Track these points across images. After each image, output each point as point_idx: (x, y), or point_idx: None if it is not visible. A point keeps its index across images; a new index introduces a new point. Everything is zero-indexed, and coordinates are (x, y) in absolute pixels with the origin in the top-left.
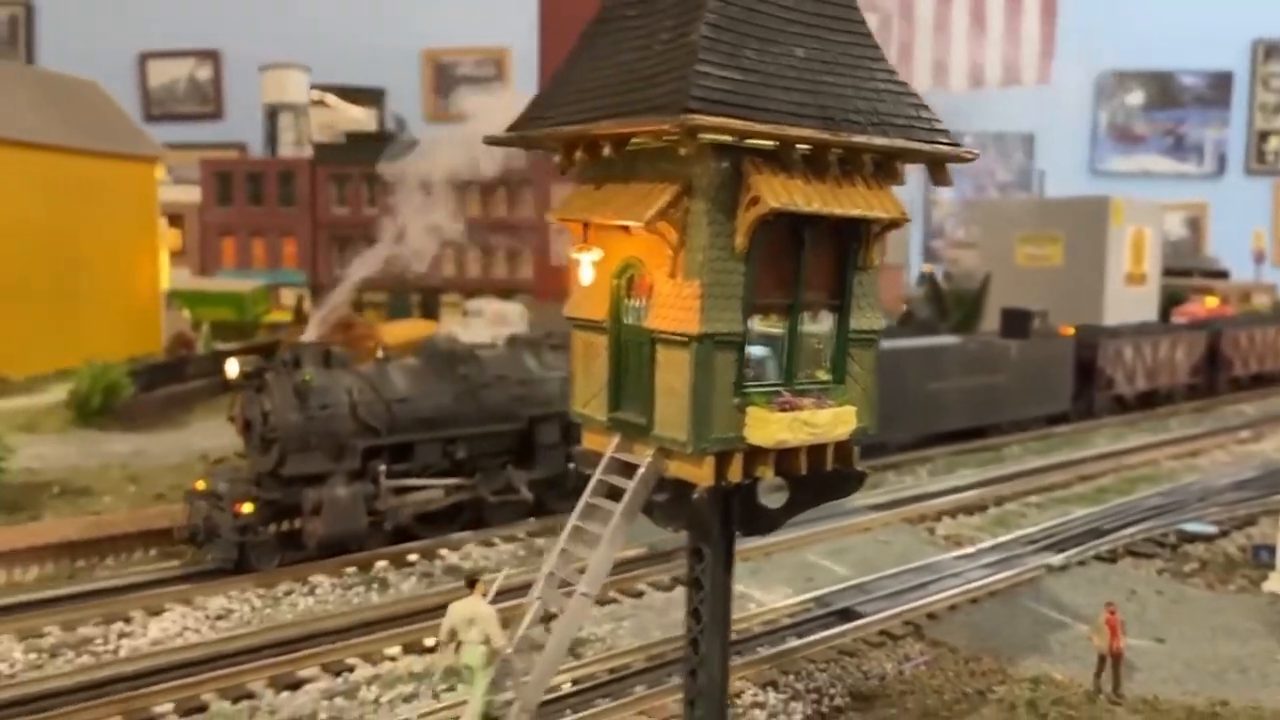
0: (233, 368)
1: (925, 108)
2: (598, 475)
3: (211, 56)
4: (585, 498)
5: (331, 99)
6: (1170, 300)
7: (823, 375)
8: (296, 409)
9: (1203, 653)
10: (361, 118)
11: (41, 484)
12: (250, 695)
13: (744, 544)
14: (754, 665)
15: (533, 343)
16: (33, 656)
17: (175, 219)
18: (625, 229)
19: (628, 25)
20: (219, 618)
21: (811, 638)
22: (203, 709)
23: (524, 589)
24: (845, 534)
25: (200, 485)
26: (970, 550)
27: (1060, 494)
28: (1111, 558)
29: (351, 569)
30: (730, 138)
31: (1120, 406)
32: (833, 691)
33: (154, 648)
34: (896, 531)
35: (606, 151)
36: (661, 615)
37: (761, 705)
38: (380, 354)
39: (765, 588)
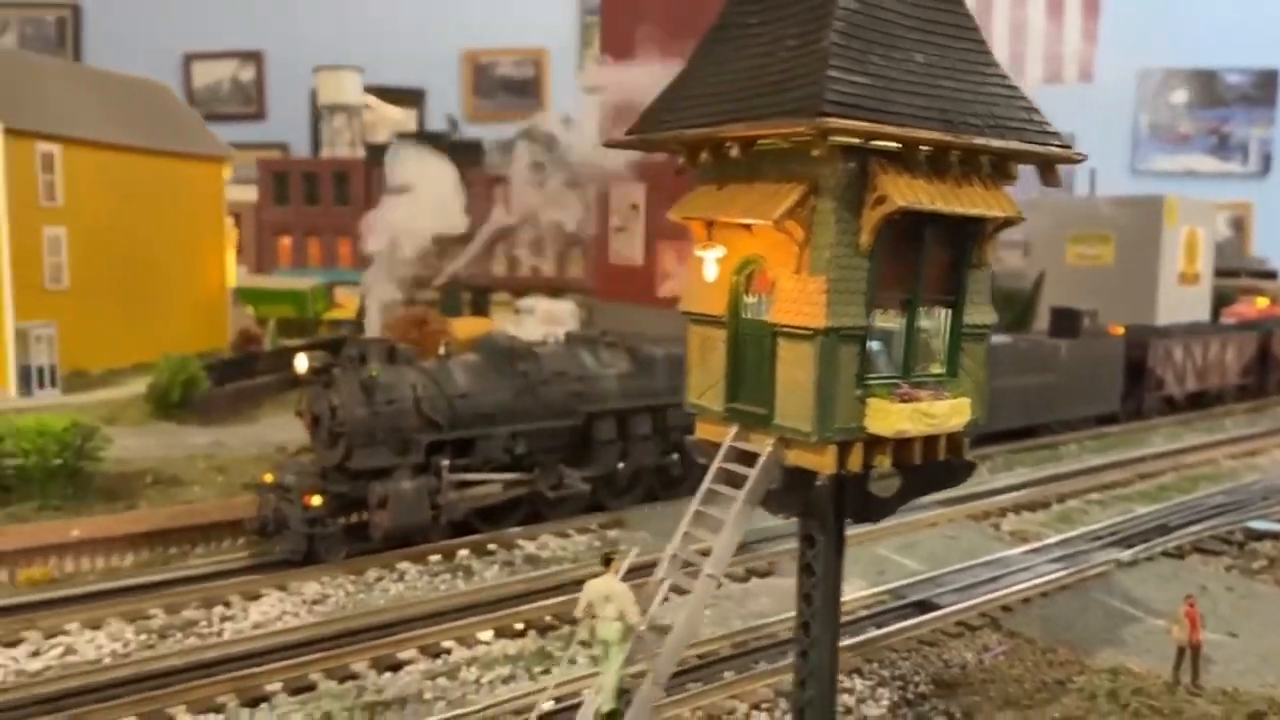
0: (301, 363)
1: (1036, 111)
2: (717, 463)
3: (254, 58)
4: (706, 484)
5: (372, 100)
6: (1219, 301)
7: (936, 368)
8: (363, 404)
9: (1276, 646)
10: (401, 118)
11: (133, 474)
12: (354, 676)
13: None
14: (839, 653)
15: (589, 340)
16: (143, 637)
17: (232, 218)
18: (747, 227)
19: (749, 34)
20: (315, 602)
21: (891, 628)
22: (311, 688)
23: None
24: (913, 529)
25: (269, 478)
26: (1037, 545)
27: (1121, 492)
28: (1179, 554)
29: (435, 557)
30: (858, 140)
31: (1170, 407)
32: (917, 679)
33: (256, 630)
34: (962, 527)
35: (734, 153)
36: (740, 605)
37: (849, 691)
38: (441, 350)
39: (843, 579)
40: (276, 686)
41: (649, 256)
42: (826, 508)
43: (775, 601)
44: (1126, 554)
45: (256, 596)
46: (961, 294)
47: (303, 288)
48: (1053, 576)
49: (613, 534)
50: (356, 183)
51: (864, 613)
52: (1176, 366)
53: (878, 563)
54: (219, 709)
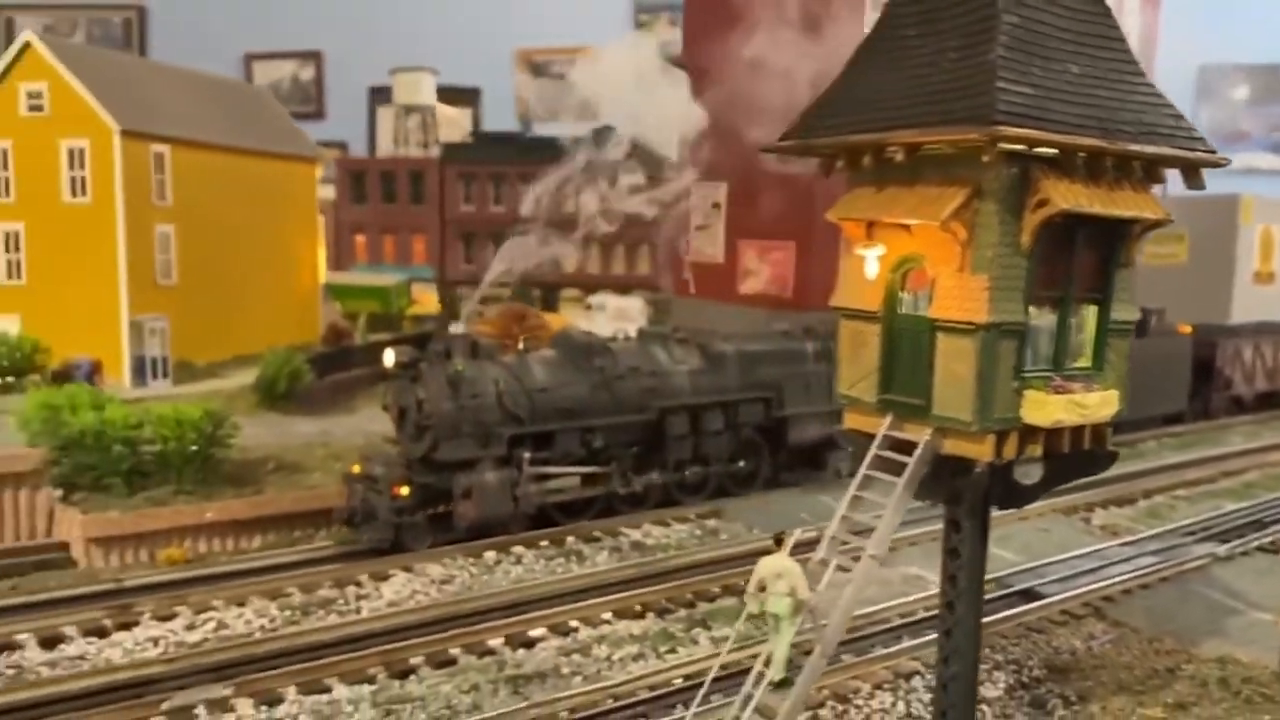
0: (389, 358)
1: (1181, 117)
2: (873, 450)
3: (314, 57)
4: (863, 470)
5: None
6: None
7: (1083, 362)
8: (449, 398)
9: None
10: (456, 117)
11: (255, 461)
12: (491, 651)
13: (912, 530)
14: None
15: (661, 336)
16: (287, 614)
17: None
18: (905, 227)
19: (907, 45)
20: (443, 582)
21: (1000, 615)
22: (452, 662)
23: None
24: (1005, 522)
25: (356, 469)
26: (1131, 539)
27: (1207, 488)
28: (1274, 549)
29: (544, 542)
30: (1022, 146)
31: (1238, 407)
32: (1030, 663)
33: (391, 608)
34: (1053, 521)
35: (899, 157)
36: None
37: (936, 679)
38: (520, 345)
39: (938, 570)
40: (419, 660)
41: (730, 255)
42: (977, 494)
43: (880, 589)
44: (1223, 549)
45: (386, 577)
46: (1109, 291)
47: (387, 284)
48: (1152, 569)
49: (710, 524)
50: (431, 182)
51: None
52: (1245, 366)
53: None
54: (370, 680)
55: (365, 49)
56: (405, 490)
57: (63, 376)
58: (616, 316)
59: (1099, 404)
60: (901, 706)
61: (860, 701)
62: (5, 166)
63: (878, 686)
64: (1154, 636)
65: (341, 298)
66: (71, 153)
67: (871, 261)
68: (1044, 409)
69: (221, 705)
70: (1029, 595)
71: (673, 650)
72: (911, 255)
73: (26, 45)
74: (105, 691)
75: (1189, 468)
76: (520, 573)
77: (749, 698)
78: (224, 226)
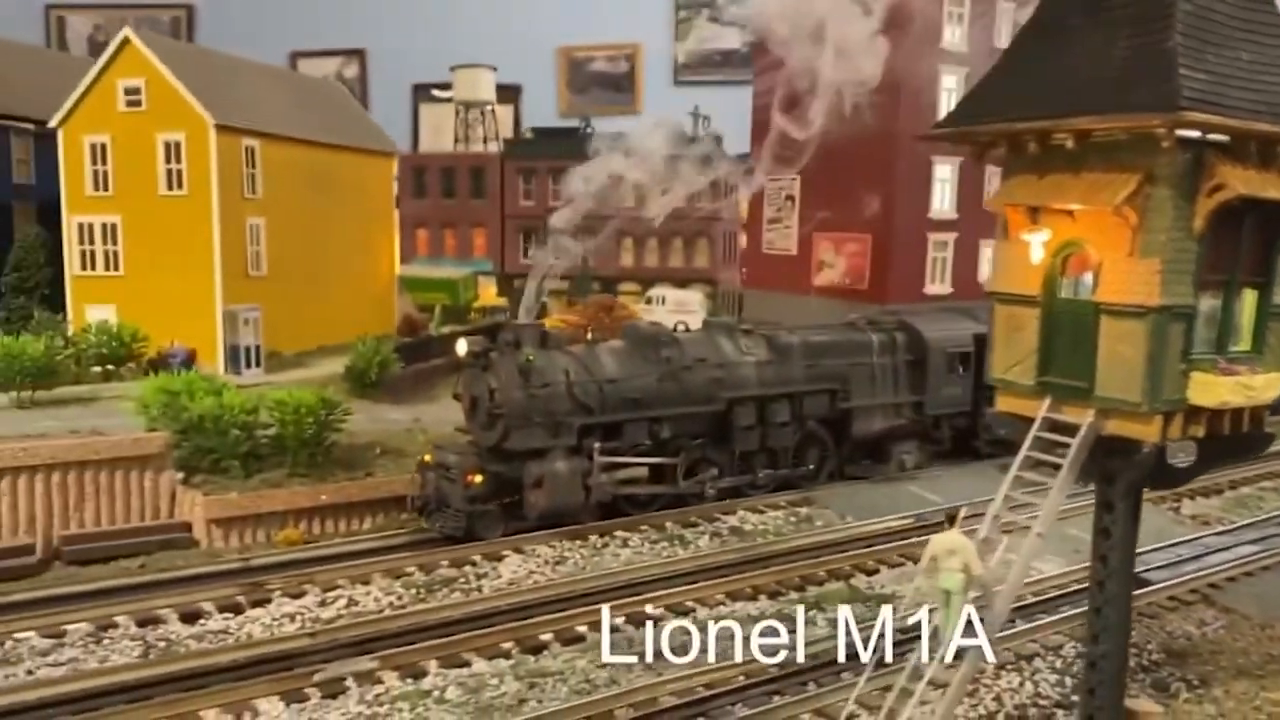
0: (462, 347)
1: None
2: (1034, 432)
3: (358, 55)
4: (1024, 451)
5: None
6: None
7: (1243, 345)
8: (520, 387)
9: None
10: (498, 113)
11: (360, 445)
12: (615, 629)
13: (1007, 517)
14: (1066, 622)
15: (727, 327)
16: (413, 592)
17: None
18: (1069, 213)
19: (1071, 34)
20: (557, 563)
21: None
22: (580, 639)
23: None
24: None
25: (428, 458)
26: (1227, 528)
27: None
28: None
29: (645, 527)
30: (1198, 132)
31: None
32: (1149, 647)
33: (512, 587)
34: (1144, 511)
35: (1069, 144)
36: None
37: (1085, 656)
38: (589, 336)
39: (1041, 559)
40: (548, 636)
41: (803, 247)
42: (1140, 475)
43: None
44: None
45: (500, 557)
46: (1272, 275)
47: (456, 277)
48: (1253, 558)
49: (803, 511)
50: (491, 177)
51: (1075, 586)
52: None
53: (1070, 542)
54: (506, 655)
55: (407, 47)
56: (479, 478)
57: (159, 365)
58: (676, 309)
59: (1264, 386)
60: (1030, 687)
61: (988, 680)
62: (104, 160)
63: (1001, 667)
64: (1265, 623)
65: (413, 290)
66: (168, 146)
67: (1037, 246)
68: (1212, 390)
69: (369, 678)
70: (1137, 581)
71: (793, 630)
72: (1073, 240)
73: (125, 42)
74: (253, 664)
75: (1275, 459)
76: (629, 555)
77: (917, 669)
78: (309, 219)
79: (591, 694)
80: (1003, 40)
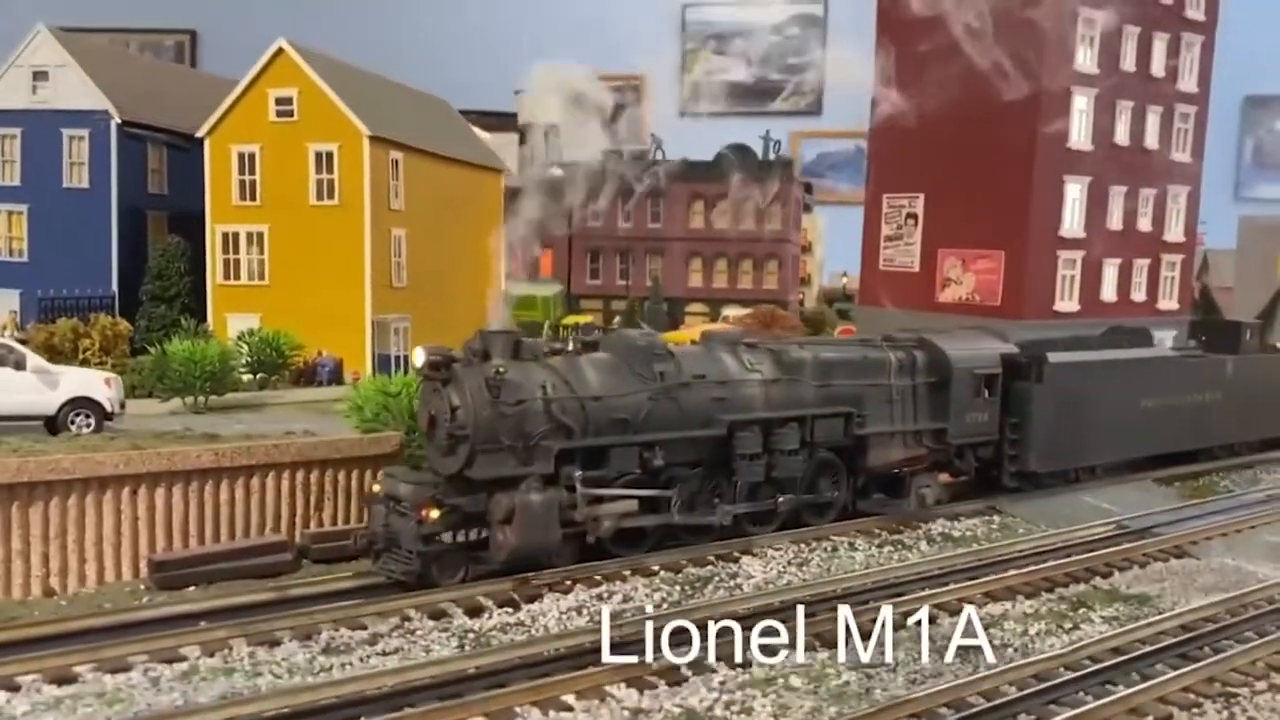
0: (419, 357)
1: None
2: None
3: None
4: None
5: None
6: None
7: None
8: (488, 404)
9: None
10: (500, 143)
11: None
12: (900, 626)
13: (1199, 525)
14: None
15: (729, 340)
16: (678, 589)
17: None
18: None
19: None
20: (801, 564)
21: None
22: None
23: None
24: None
25: (377, 488)
26: None
27: None
28: None
29: (854, 531)
30: None
31: None
32: None
33: (769, 585)
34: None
35: None
36: (1189, 580)
37: None
38: (570, 345)
39: (1253, 563)
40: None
41: (926, 264)
42: None
43: (1218, 577)
44: None
45: (736, 560)
46: None
47: (546, 294)
48: None
49: (997, 520)
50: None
51: None
52: None
53: (1276, 549)
54: (813, 646)
55: (409, 74)
56: (436, 513)
57: (307, 375)
58: None
59: None
60: None
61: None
62: (253, 170)
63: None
64: None
65: (512, 304)
66: (319, 156)
67: None
68: None
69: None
70: None
71: (1076, 627)
72: None
73: (279, 52)
74: (561, 658)
75: None
76: (862, 559)
77: None
78: (439, 231)
79: (925, 685)
80: (1129, 63)
